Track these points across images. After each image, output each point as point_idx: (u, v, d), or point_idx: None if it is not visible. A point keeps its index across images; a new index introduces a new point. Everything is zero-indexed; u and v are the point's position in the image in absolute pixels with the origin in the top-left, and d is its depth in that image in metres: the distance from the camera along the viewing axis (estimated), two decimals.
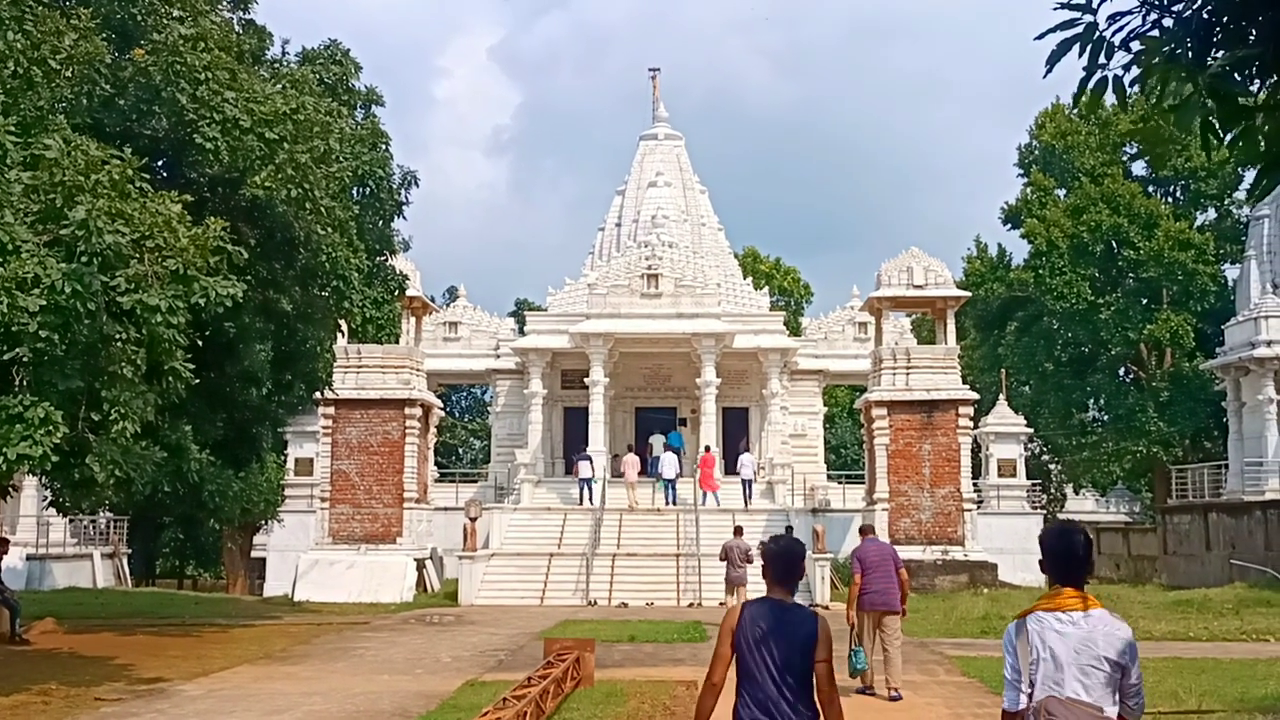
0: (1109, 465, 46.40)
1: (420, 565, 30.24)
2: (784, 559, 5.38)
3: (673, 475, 34.91)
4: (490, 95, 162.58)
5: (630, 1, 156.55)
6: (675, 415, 41.29)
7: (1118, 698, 4.48)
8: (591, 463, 34.82)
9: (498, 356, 43.04)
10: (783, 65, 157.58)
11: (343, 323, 23.65)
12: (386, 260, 23.47)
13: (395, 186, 23.02)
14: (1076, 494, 57.04)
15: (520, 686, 11.03)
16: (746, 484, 35.09)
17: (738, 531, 23.54)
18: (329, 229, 20.07)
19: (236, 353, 21.74)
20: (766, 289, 47.31)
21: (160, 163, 19.38)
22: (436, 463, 54.66)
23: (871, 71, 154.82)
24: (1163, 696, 12.48)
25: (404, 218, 23.49)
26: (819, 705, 5.15)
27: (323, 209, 19.96)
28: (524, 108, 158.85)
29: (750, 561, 21.12)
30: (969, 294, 34.49)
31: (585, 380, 37.05)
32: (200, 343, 21.44)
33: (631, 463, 35.21)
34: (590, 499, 34.28)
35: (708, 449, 35.55)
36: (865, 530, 14.35)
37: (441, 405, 37.65)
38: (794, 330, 45.50)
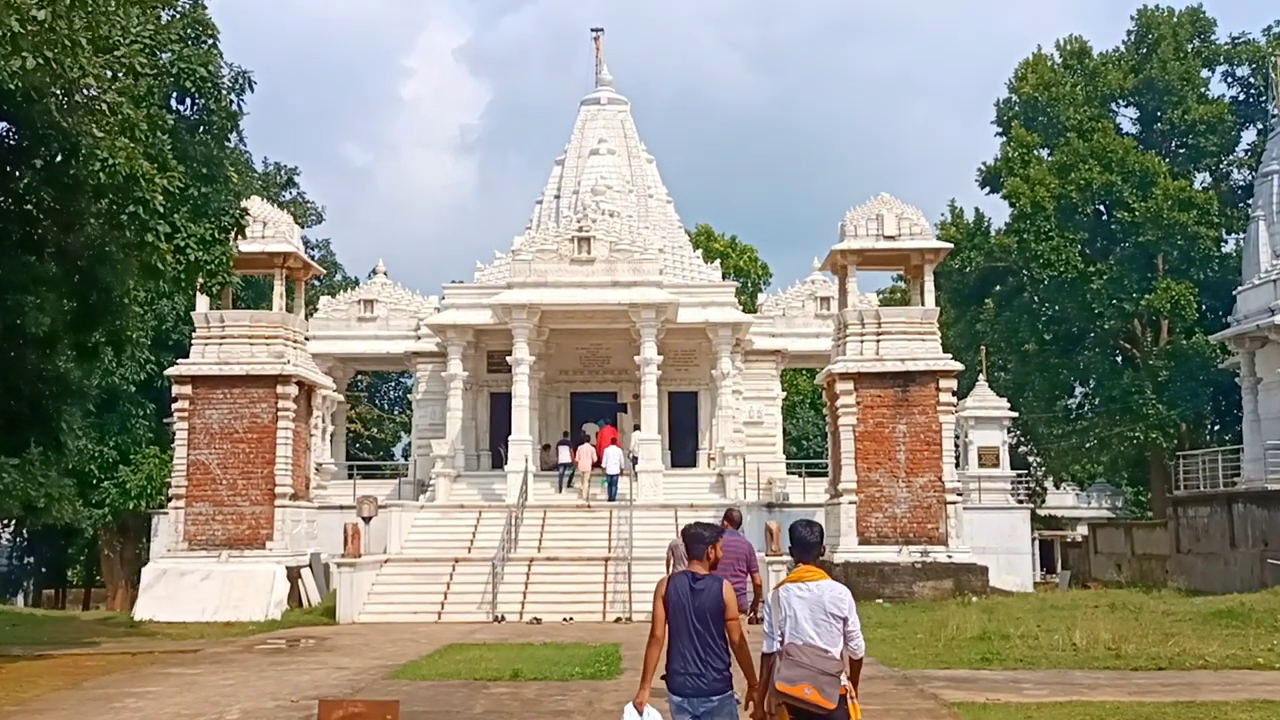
0: (1099, 454, 41.77)
1: (295, 575, 25.10)
2: (688, 542, 6.99)
3: (616, 470, 30.60)
4: (457, 95, 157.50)
5: None
6: (615, 401, 36.48)
7: (841, 641, 6.32)
8: (573, 449, 31.54)
9: (418, 338, 38.08)
10: (754, 60, 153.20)
11: (165, 270, 18.43)
12: (219, 190, 18.34)
13: (224, 92, 17.98)
14: (1057, 488, 52.67)
15: None
16: (613, 479, 30.56)
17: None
18: (113, 132, 15.06)
19: (2, 304, 16.73)
20: (719, 263, 42.32)
21: None
22: (360, 459, 49.78)
23: (842, 69, 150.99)
24: None
25: (238, 130, 18.41)
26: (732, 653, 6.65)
27: (106, 105, 15.03)
28: (493, 106, 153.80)
29: None
30: (950, 245, 29.53)
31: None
32: None
33: (586, 453, 31.27)
34: (568, 485, 31.34)
35: (608, 425, 33.17)
36: (730, 516, 12.59)
37: (333, 385, 32.67)
38: (749, 311, 40.43)
